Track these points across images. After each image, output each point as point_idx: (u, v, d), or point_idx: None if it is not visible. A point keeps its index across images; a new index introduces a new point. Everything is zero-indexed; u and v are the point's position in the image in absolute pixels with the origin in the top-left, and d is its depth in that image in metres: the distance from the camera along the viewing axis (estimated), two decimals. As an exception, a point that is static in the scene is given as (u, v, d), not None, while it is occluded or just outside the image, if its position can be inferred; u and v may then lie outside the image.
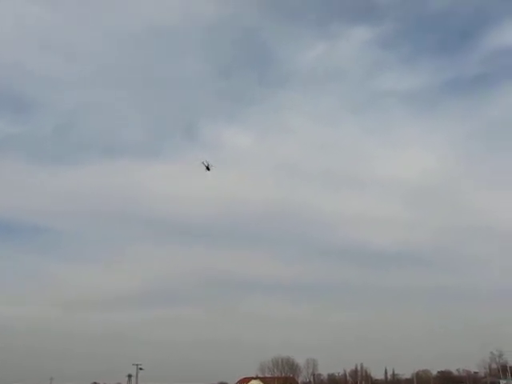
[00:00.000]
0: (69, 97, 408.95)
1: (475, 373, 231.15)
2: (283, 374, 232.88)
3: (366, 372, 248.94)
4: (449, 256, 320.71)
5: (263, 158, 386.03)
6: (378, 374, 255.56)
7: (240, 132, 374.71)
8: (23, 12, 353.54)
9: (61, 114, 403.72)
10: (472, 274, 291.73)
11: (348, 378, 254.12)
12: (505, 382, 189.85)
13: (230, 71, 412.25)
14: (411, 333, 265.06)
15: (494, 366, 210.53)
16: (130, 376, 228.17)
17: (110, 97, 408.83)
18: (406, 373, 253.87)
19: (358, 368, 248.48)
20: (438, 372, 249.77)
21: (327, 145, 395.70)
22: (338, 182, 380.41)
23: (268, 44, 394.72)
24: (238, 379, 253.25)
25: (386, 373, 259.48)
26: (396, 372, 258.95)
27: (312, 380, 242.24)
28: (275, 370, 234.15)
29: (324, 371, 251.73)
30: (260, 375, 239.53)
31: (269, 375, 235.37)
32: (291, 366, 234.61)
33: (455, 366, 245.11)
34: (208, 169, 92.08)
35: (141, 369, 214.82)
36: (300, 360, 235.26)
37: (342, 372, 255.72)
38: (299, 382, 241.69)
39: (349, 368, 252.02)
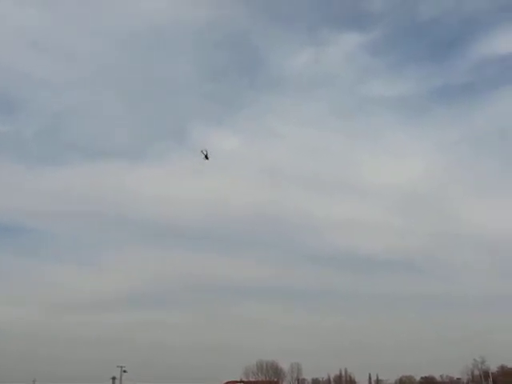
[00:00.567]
0: (56, 97, 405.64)
1: (458, 379, 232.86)
2: (267, 378, 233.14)
3: (349, 377, 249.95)
4: (437, 263, 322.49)
5: (251, 162, 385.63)
6: (361, 380, 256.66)
7: (229, 136, 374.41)
8: (12, 11, 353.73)
9: (48, 115, 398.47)
10: (459, 282, 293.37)
11: (332, 382, 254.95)
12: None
13: (220, 75, 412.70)
14: (395, 339, 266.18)
15: (476, 372, 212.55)
16: (113, 378, 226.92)
17: (99, 98, 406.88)
18: (389, 378, 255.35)
19: (342, 373, 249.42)
20: (422, 378, 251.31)
21: (316, 150, 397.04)
22: (326, 188, 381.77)
23: (258, 48, 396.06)
24: (223, 383, 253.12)
25: (369, 378, 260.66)
26: (380, 377, 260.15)
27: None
28: (259, 374, 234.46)
29: (308, 376, 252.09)
30: (244, 379, 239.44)
31: (253, 379, 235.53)
32: (275, 370, 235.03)
33: (438, 372, 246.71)
34: (207, 158, 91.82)
35: (125, 371, 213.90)
36: (284, 364, 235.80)
37: (326, 377, 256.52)
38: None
39: (333, 373, 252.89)
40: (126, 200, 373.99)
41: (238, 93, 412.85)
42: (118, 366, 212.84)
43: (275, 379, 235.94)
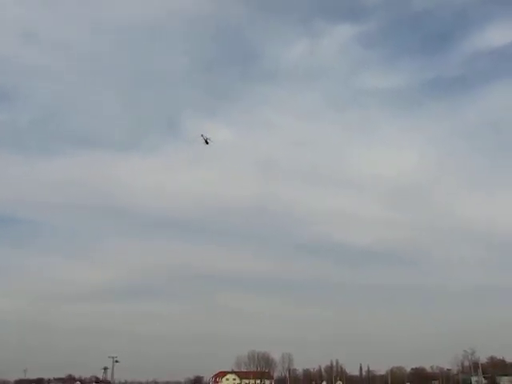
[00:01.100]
0: (49, 88, 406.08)
1: (448, 370, 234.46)
2: (259, 369, 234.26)
3: (341, 368, 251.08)
4: (428, 256, 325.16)
5: (245, 154, 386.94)
6: (352, 370, 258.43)
7: (223, 127, 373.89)
8: (7, 1, 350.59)
9: (41, 105, 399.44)
10: (451, 274, 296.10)
11: (323, 373, 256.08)
12: (476, 378, 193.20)
13: (214, 66, 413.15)
14: (386, 330, 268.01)
15: (466, 363, 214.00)
16: (105, 368, 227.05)
17: (92, 89, 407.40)
18: (380, 369, 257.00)
19: (333, 364, 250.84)
20: (412, 369, 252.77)
21: (308, 142, 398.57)
22: (318, 179, 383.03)
23: (253, 40, 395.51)
24: (214, 373, 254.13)
25: (360, 369, 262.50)
26: (371, 368, 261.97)
27: (287, 375, 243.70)
28: (251, 365, 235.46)
29: (299, 366, 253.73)
30: (236, 370, 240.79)
31: (245, 370, 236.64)
32: (267, 360, 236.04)
33: (429, 363, 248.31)
34: (207, 142, 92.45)
35: (116, 361, 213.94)
36: (276, 355, 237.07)
37: (317, 368, 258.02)
38: (274, 376, 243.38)
39: (324, 364, 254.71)
40: (121, 191, 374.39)
41: (232, 84, 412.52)
42: (109, 357, 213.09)
43: (267, 370, 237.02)
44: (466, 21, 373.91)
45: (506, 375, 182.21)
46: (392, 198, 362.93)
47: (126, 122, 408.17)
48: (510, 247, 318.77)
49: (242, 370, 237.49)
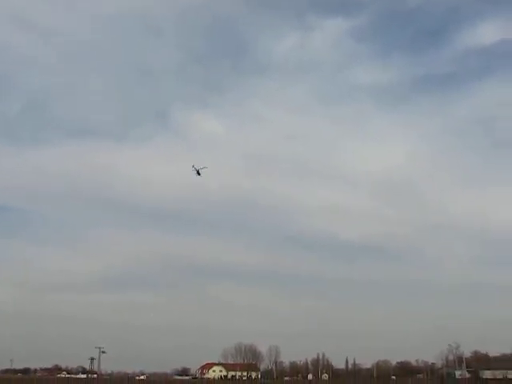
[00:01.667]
0: (39, 76, 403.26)
1: (433, 364, 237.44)
2: (246, 361, 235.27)
3: (327, 361, 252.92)
4: (415, 250, 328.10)
5: (234, 146, 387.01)
6: (339, 364, 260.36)
7: (212, 119, 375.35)
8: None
9: (31, 93, 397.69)
10: (437, 269, 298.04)
11: (309, 366, 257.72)
12: (460, 372, 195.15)
13: (205, 58, 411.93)
14: (373, 324, 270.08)
15: (450, 357, 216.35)
16: (92, 359, 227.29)
17: (82, 78, 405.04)
18: (366, 363, 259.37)
19: (320, 357, 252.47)
20: (398, 362, 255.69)
21: (299, 136, 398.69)
22: (308, 173, 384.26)
23: (244, 33, 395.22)
24: (201, 365, 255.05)
25: (346, 362, 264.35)
26: (357, 362, 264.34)
27: (274, 367, 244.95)
28: (238, 357, 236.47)
29: (286, 359, 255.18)
30: (223, 361, 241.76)
31: (231, 362, 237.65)
32: (254, 353, 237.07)
33: (414, 357, 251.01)
34: (198, 173, 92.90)
35: (103, 352, 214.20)
36: (262, 347, 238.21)
37: (303, 360, 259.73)
38: (261, 369, 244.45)
39: (310, 357, 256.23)
40: (112, 181, 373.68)
41: (223, 77, 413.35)
42: (96, 347, 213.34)
43: (253, 362, 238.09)
44: (457, 17, 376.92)
45: (489, 369, 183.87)
46: (383, 193, 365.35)
47: (116, 113, 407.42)
48: (498, 244, 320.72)
49: (229, 361, 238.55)
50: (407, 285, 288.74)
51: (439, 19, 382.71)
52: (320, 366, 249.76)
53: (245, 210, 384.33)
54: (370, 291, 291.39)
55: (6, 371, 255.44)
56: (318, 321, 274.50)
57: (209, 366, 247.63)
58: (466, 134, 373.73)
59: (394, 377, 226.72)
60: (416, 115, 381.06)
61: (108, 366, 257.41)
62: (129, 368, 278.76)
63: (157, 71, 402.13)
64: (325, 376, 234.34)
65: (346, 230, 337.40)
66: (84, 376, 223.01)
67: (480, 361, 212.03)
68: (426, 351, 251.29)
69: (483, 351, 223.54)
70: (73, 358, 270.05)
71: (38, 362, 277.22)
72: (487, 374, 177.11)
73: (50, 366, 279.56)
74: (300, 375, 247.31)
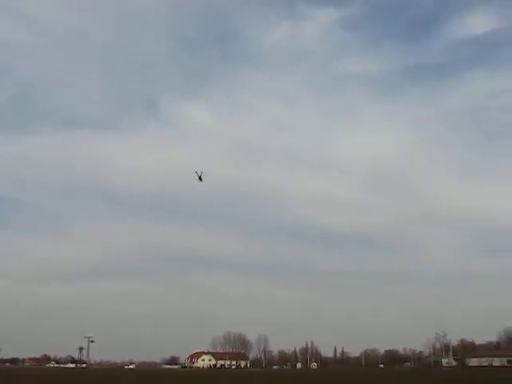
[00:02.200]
0: (30, 65, 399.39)
1: (420, 352, 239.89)
2: (234, 350, 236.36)
3: (315, 350, 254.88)
4: (404, 240, 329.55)
5: (223, 136, 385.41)
6: (327, 352, 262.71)
7: (201, 109, 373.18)
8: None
9: (20, 82, 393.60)
10: (425, 259, 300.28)
11: (298, 355, 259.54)
12: (446, 360, 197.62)
13: (194, 47, 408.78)
14: (361, 313, 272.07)
15: (437, 345, 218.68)
16: (81, 348, 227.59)
17: (72, 68, 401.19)
18: (354, 351, 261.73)
19: (308, 346, 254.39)
20: (386, 351, 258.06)
21: (288, 125, 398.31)
22: (296, 162, 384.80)
23: (234, 22, 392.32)
24: (190, 353, 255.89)
25: (335, 351, 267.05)
26: (345, 350, 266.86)
27: (263, 356, 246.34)
28: (227, 346, 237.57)
29: (275, 348, 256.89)
30: (212, 350, 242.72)
31: (220, 350, 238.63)
32: (243, 341, 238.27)
33: (402, 346, 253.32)
34: (200, 179, 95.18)
35: (92, 341, 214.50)
36: (251, 336, 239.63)
37: (292, 349, 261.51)
38: (250, 357, 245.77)
39: (299, 346, 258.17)
40: (98, 170, 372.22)
41: (212, 66, 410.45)
42: (85, 337, 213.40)
43: (242, 351, 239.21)
44: (448, 8, 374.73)
45: (475, 357, 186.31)
46: (373, 184, 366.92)
47: (105, 102, 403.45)
48: (486, 235, 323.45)
49: (218, 350, 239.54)
50: (396, 274, 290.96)
51: (430, 9, 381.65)
52: (308, 354, 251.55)
53: (235, 201, 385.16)
54: (359, 281, 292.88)
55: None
56: (306, 310, 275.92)
57: (198, 354, 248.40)
58: (456, 124, 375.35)
59: (381, 365, 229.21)
60: (406, 105, 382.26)
61: (97, 356, 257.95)
62: (118, 357, 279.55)
63: (147, 60, 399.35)
64: (313, 364, 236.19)
65: (337, 220, 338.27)
66: (73, 365, 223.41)
67: (466, 349, 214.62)
68: (414, 340, 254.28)
69: (469, 339, 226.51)
70: (62, 348, 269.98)
71: (26, 351, 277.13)
72: (473, 362, 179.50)
73: (38, 355, 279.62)
74: (289, 364, 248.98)
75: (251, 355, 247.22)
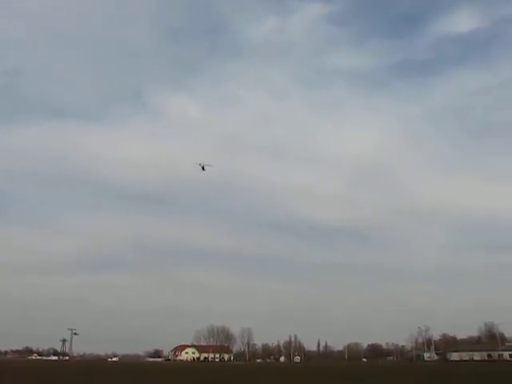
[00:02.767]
0: (13, 54, 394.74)
1: (402, 346, 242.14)
2: (218, 343, 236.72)
3: (299, 343, 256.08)
4: (386, 235, 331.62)
5: (209, 128, 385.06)
6: (311, 346, 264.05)
7: (188, 101, 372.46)
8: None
9: (4, 72, 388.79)
10: (408, 254, 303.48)
11: (282, 348, 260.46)
12: (428, 354, 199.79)
13: (181, 38, 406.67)
14: (344, 307, 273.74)
15: (420, 340, 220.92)
16: (64, 341, 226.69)
17: (57, 58, 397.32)
18: (338, 345, 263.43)
19: (292, 339, 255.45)
20: (369, 345, 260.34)
21: (275, 118, 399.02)
22: (284, 156, 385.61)
23: (221, 13, 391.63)
24: (174, 347, 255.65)
25: (318, 344, 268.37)
26: (328, 344, 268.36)
27: (246, 349, 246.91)
28: (210, 339, 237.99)
29: (258, 341, 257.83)
30: (195, 343, 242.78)
31: (204, 344, 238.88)
32: (226, 335, 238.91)
33: (385, 340, 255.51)
34: (203, 169, 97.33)
35: (75, 334, 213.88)
36: (235, 329, 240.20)
37: (275, 343, 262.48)
38: (234, 351, 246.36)
39: (283, 339, 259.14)
40: (83, 162, 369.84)
41: (199, 58, 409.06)
42: (68, 329, 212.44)
43: (226, 344, 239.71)
44: (435, 5, 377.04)
45: (457, 351, 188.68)
46: (359, 178, 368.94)
47: (91, 93, 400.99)
48: (469, 231, 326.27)
49: (202, 343, 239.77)
50: (379, 269, 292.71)
51: (417, 6, 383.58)
52: (292, 348, 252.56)
53: (220, 194, 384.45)
54: (343, 275, 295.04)
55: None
56: (290, 303, 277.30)
57: (181, 347, 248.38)
58: (441, 121, 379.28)
59: (364, 359, 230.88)
60: (391, 101, 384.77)
61: (80, 348, 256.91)
62: (101, 350, 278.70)
63: (134, 51, 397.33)
64: (297, 358, 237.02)
65: (325, 214, 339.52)
66: (55, 358, 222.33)
67: (448, 343, 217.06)
68: (397, 334, 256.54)
69: (451, 334, 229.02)
70: (44, 340, 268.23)
71: (8, 343, 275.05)
72: (454, 356, 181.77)
73: (20, 347, 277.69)
74: (272, 357, 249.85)
75: (235, 348, 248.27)
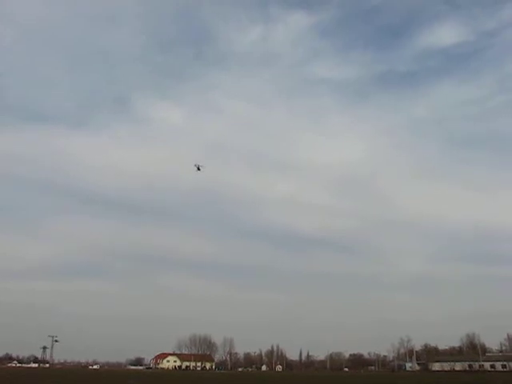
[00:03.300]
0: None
1: (384, 356, 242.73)
2: (200, 352, 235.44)
3: (281, 352, 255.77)
4: (369, 245, 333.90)
5: (193, 136, 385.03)
6: (293, 355, 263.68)
7: (171, 108, 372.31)
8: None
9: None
10: (389, 264, 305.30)
11: (263, 357, 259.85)
12: (410, 364, 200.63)
13: (167, 47, 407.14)
14: (326, 317, 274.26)
15: (402, 350, 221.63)
16: (44, 348, 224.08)
17: (39, 61, 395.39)
18: (320, 354, 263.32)
19: (274, 348, 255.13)
20: (350, 355, 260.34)
21: (257, 127, 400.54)
22: (265, 165, 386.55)
23: (207, 22, 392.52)
24: (155, 355, 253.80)
25: (300, 354, 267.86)
26: (310, 353, 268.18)
27: (228, 358, 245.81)
28: (192, 348, 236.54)
29: (240, 350, 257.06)
30: (177, 352, 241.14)
31: (186, 352, 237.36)
32: (208, 343, 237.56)
33: (366, 350, 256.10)
34: (199, 169, 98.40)
35: (56, 341, 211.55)
36: (217, 338, 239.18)
37: (257, 352, 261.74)
38: (215, 359, 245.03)
39: (265, 348, 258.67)
40: (65, 168, 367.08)
41: (184, 66, 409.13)
42: (49, 336, 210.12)
43: (208, 352, 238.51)
44: (419, 18, 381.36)
45: (438, 361, 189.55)
46: (339, 187, 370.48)
47: (75, 99, 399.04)
48: (451, 241, 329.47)
49: (184, 352, 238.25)
50: (362, 279, 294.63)
51: (401, 19, 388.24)
52: (274, 357, 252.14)
53: (203, 202, 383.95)
54: (325, 284, 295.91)
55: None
56: (272, 313, 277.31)
57: (163, 356, 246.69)
58: (423, 131, 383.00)
59: (346, 368, 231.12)
60: (374, 111, 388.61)
61: (61, 355, 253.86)
62: (82, 357, 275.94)
63: (119, 58, 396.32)
64: (279, 367, 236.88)
65: (302, 222, 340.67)
66: (36, 365, 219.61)
67: (430, 353, 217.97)
68: (378, 344, 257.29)
69: (433, 344, 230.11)
70: (24, 347, 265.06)
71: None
72: (436, 366, 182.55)
73: (0, 354, 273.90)
74: (254, 366, 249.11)
75: (217, 357, 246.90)
